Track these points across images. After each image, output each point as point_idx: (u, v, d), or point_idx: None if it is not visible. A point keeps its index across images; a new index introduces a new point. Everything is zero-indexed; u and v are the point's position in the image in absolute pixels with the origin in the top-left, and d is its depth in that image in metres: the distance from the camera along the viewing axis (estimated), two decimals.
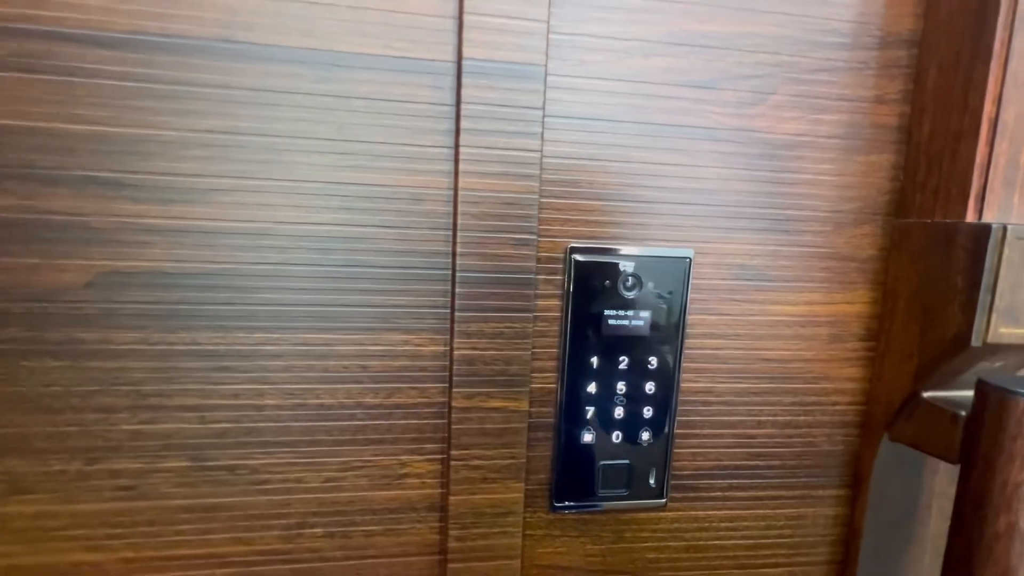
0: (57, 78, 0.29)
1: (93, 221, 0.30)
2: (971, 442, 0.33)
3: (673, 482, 0.39)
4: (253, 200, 0.31)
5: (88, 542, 0.33)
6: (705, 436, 0.39)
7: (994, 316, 0.32)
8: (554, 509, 0.37)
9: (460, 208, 0.32)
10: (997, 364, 0.35)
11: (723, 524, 0.40)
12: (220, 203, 0.31)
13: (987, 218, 0.33)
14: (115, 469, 0.32)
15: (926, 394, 0.37)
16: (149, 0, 0.29)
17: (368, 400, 0.34)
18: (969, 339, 0.32)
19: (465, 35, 0.31)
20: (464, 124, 0.31)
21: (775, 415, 0.39)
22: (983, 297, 0.32)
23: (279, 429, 0.34)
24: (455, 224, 0.32)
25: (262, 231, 0.31)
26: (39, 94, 0.29)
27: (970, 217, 0.33)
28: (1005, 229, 0.31)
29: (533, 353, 0.35)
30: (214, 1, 0.29)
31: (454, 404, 0.34)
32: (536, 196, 0.33)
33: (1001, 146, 0.32)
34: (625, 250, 0.35)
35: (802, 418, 0.40)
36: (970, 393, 0.34)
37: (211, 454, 0.33)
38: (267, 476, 0.34)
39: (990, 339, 0.32)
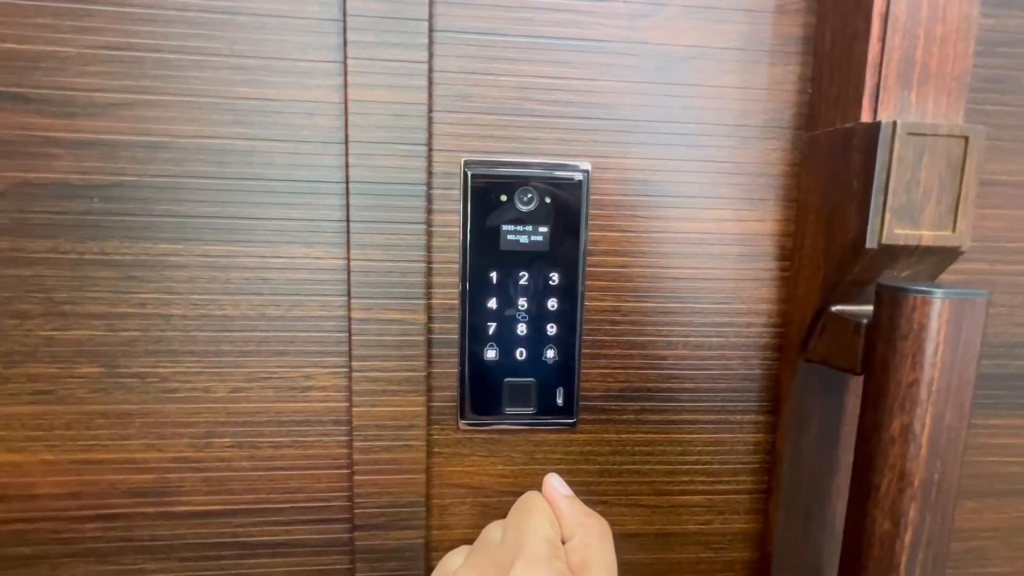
0: None
1: (2, 134, 0.32)
2: (870, 348, 0.32)
3: (583, 403, 0.39)
4: (150, 114, 0.33)
5: (9, 444, 0.35)
6: (614, 356, 0.39)
7: (888, 216, 0.31)
8: (462, 427, 0.38)
9: (350, 120, 0.33)
10: (904, 273, 0.34)
11: (638, 448, 0.40)
12: (119, 116, 0.33)
13: (882, 118, 0.32)
14: (32, 373, 0.34)
15: (834, 308, 0.36)
16: None
17: (270, 312, 0.35)
18: (864, 241, 0.32)
19: None
20: (351, 36, 0.32)
21: (686, 336, 0.39)
22: (876, 197, 0.31)
23: (186, 339, 0.35)
24: (347, 136, 0.33)
25: (160, 144, 0.33)
26: None
27: (865, 118, 0.32)
28: (895, 125, 0.30)
29: (433, 268, 0.36)
30: None
31: (353, 316, 0.35)
32: (424, 107, 0.33)
33: (893, 41, 0.31)
34: (520, 164, 0.35)
35: (715, 339, 0.39)
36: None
37: (122, 362, 0.35)
38: (176, 384, 0.35)
39: (885, 240, 0.31)
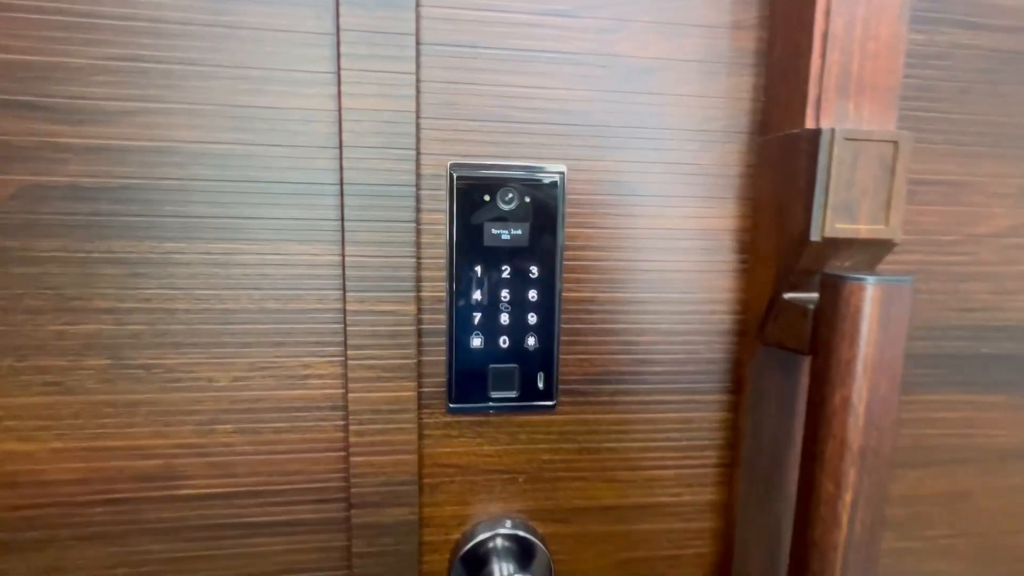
0: None
1: (14, 140, 0.34)
2: (816, 331, 0.36)
3: (562, 387, 0.42)
4: (156, 120, 0.35)
5: (20, 433, 0.37)
6: (590, 343, 0.42)
7: (829, 212, 0.35)
8: (450, 411, 0.41)
9: (344, 127, 0.36)
10: (847, 263, 0.38)
11: (613, 428, 0.43)
12: (127, 123, 0.35)
13: (823, 125, 0.36)
14: (42, 366, 0.36)
15: (786, 295, 0.40)
16: None
17: (270, 305, 0.38)
18: (809, 235, 0.36)
19: None
20: (344, 50, 0.35)
21: (656, 323, 0.42)
22: (818, 196, 0.35)
23: (189, 331, 0.37)
24: (341, 142, 0.36)
25: (165, 149, 0.35)
26: None
27: (808, 124, 0.36)
28: (833, 132, 0.34)
29: (422, 263, 0.39)
30: None
31: (348, 308, 0.38)
32: (412, 115, 0.36)
33: (832, 57, 0.35)
34: (502, 167, 0.39)
35: (682, 326, 0.43)
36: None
37: (128, 354, 0.37)
38: (180, 375, 0.38)
39: (827, 233, 0.35)
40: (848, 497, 0.35)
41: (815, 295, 0.39)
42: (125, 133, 0.35)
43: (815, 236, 0.36)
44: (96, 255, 0.36)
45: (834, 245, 0.36)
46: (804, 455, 0.37)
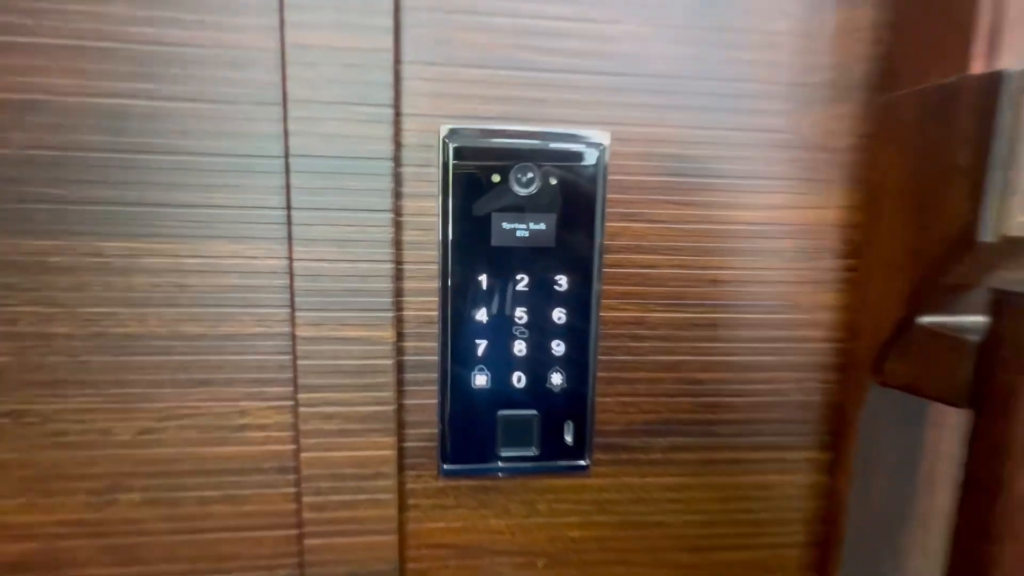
0: None
1: None
2: (986, 375, 0.24)
3: (598, 440, 0.31)
4: (16, 62, 0.24)
5: None
6: (637, 381, 0.30)
7: (1013, 199, 0.23)
8: (444, 473, 0.30)
9: (290, 72, 0.25)
10: (1022, 274, 0.26)
11: (666, 495, 0.32)
12: None
13: (1004, 66, 0.24)
14: None
15: (924, 320, 0.28)
16: None
17: (189, 329, 0.27)
18: (976, 233, 0.24)
19: None
20: None
21: (729, 355, 0.31)
22: (995, 175, 0.23)
23: (74, 365, 0.26)
24: (285, 94, 0.25)
25: (31, 103, 0.24)
26: None
27: (977, 68, 0.24)
28: None
29: (404, 270, 0.28)
30: None
31: (299, 333, 0.27)
32: (389, 55, 0.25)
33: None
34: (518, 134, 0.27)
35: (765, 359, 0.31)
36: (983, 316, 0.25)
37: None
38: (64, 426, 0.27)
39: (1007, 231, 0.23)
40: None
41: (973, 319, 0.27)
42: None
43: (988, 235, 0.24)
44: None
45: (1015, 248, 0.25)
46: (959, 554, 0.25)
